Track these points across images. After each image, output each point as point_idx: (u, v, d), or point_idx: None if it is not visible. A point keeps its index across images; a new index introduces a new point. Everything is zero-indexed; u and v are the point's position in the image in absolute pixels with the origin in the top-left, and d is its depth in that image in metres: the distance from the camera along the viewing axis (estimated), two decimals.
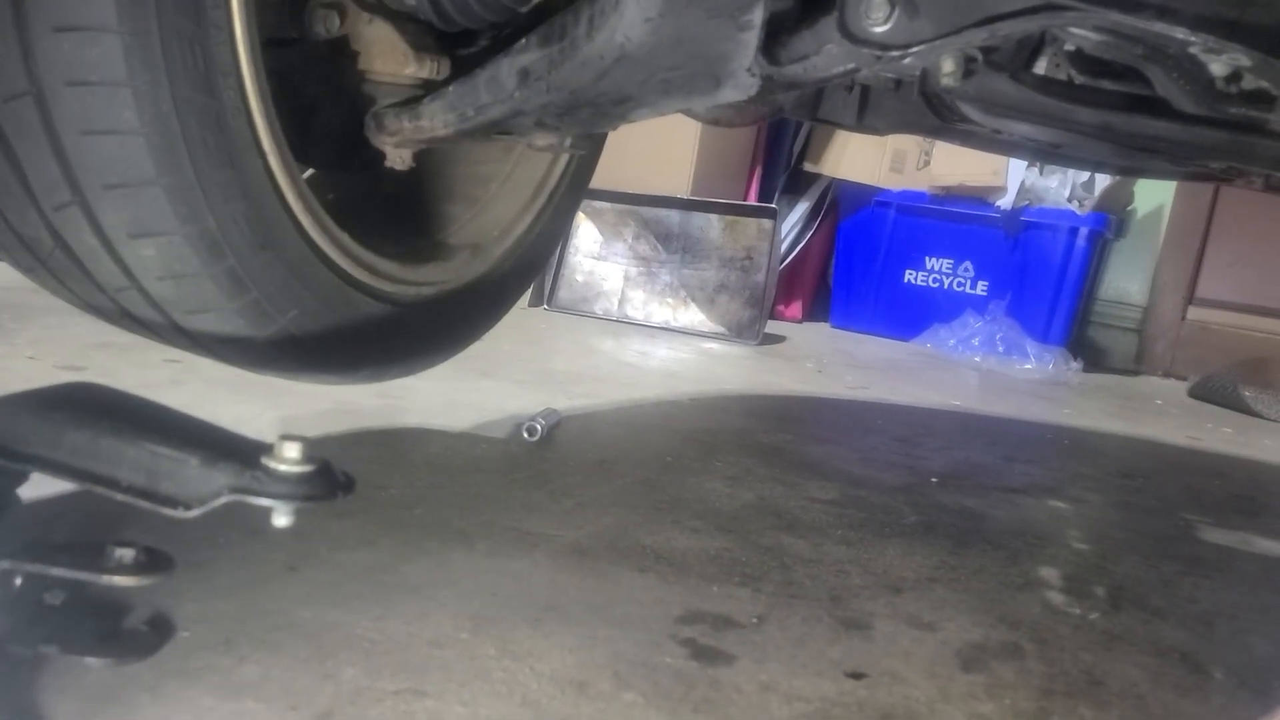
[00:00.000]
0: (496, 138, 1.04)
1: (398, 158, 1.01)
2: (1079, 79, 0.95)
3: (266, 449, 0.69)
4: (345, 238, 0.93)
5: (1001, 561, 1.26)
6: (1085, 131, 0.94)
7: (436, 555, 1.06)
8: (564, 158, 1.21)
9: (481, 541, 1.11)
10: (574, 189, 1.26)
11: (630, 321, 3.11)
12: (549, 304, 3.16)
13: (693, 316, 3.08)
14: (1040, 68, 0.98)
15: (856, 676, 0.89)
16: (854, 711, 0.83)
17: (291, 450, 0.68)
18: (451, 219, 1.17)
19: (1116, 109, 0.89)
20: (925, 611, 1.06)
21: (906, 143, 3.35)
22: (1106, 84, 0.94)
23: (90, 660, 0.75)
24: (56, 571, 0.72)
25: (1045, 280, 3.28)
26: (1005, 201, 3.30)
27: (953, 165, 3.28)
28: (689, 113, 1.14)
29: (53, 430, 0.70)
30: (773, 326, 3.23)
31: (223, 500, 0.66)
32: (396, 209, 1.15)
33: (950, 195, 3.37)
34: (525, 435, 1.56)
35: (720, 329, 3.03)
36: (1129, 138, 0.92)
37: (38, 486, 0.82)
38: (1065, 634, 1.05)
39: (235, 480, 0.66)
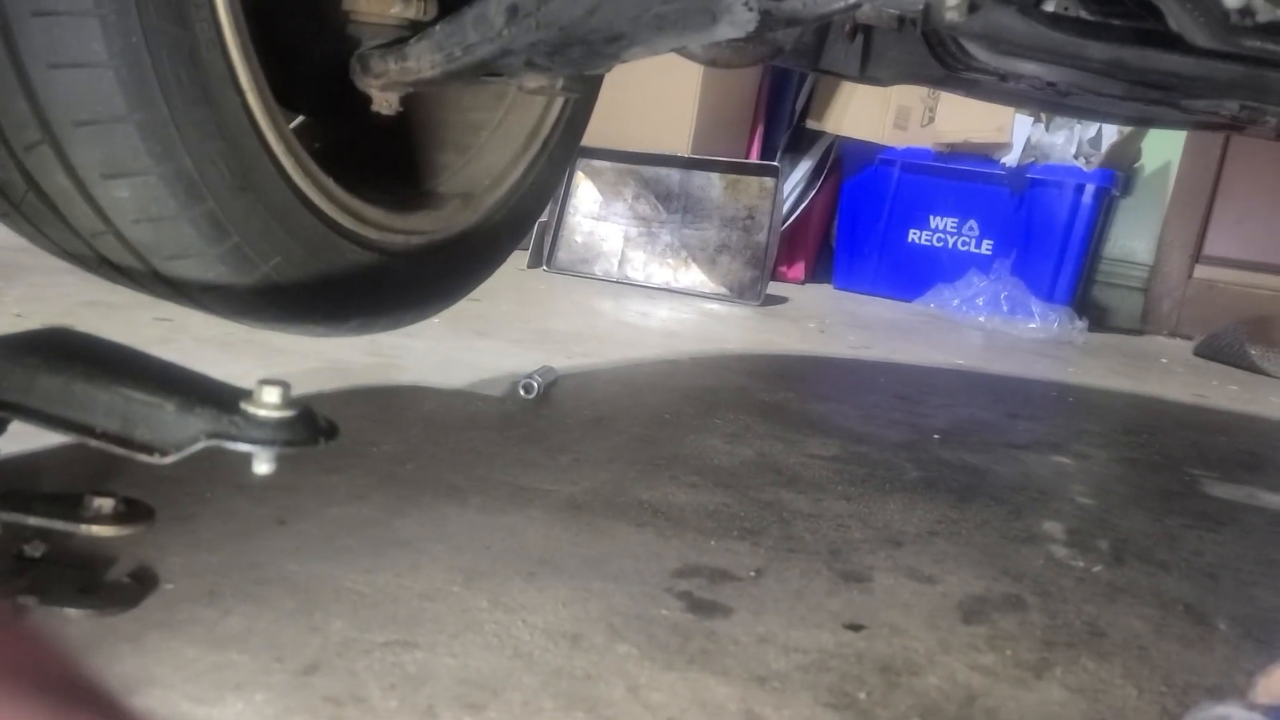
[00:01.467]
0: (486, 81, 1.01)
1: (384, 102, 0.98)
2: (1089, 16, 0.92)
3: (245, 394, 0.67)
4: (330, 183, 0.91)
5: (1004, 516, 1.24)
6: (1096, 69, 0.90)
7: (429, 510, 1.04)
8: (558, 104, 1.18)
9: (475, 497, 1.10)
10: (568, 137, 1.23)
11: (630, 283, 3.08)
12: (548, 265, 3.13)
13: (694, 277, 3.05)
14: (1049, 5, 0.94)
15: (855, 628, 0.88)
16: (852, 662, 0.81)
17: (271, 395, 0.66)
18: (442, 167, 1.14)
19: (1128, 43, 0.86)
20: (926, 565, 1.04)
21: (911, 98, 3.30)
22: (1117, 21, 0.90)
23: (70, 612, 0.74)
24: (34, 521, 0.70)
25: (1050, 238, 3.24)
26: (1010, 158, 3.25)
27: (957, 121, 3.23)
28: (686, 53, 1.10)
29: (25, 375, 0.68)
30: (775, 287, 3.20)
31: (200, 446, 0.64)
32: (385, 156, 1.12)
33: (955, 153, 3.32)
34: (522, 393, 1.53)
35: (721, 290, 3.00)
36: (1141, 74, 0.89)
37: (17, 440, 0.80)
38: (1068, 586, 1.03)
39: (212, 426, 0.64)
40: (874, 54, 1.54)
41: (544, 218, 3.13)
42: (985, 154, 3.28)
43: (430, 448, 1.26)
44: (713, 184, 3.06)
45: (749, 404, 1.70)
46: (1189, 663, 0.89)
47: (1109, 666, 0.85)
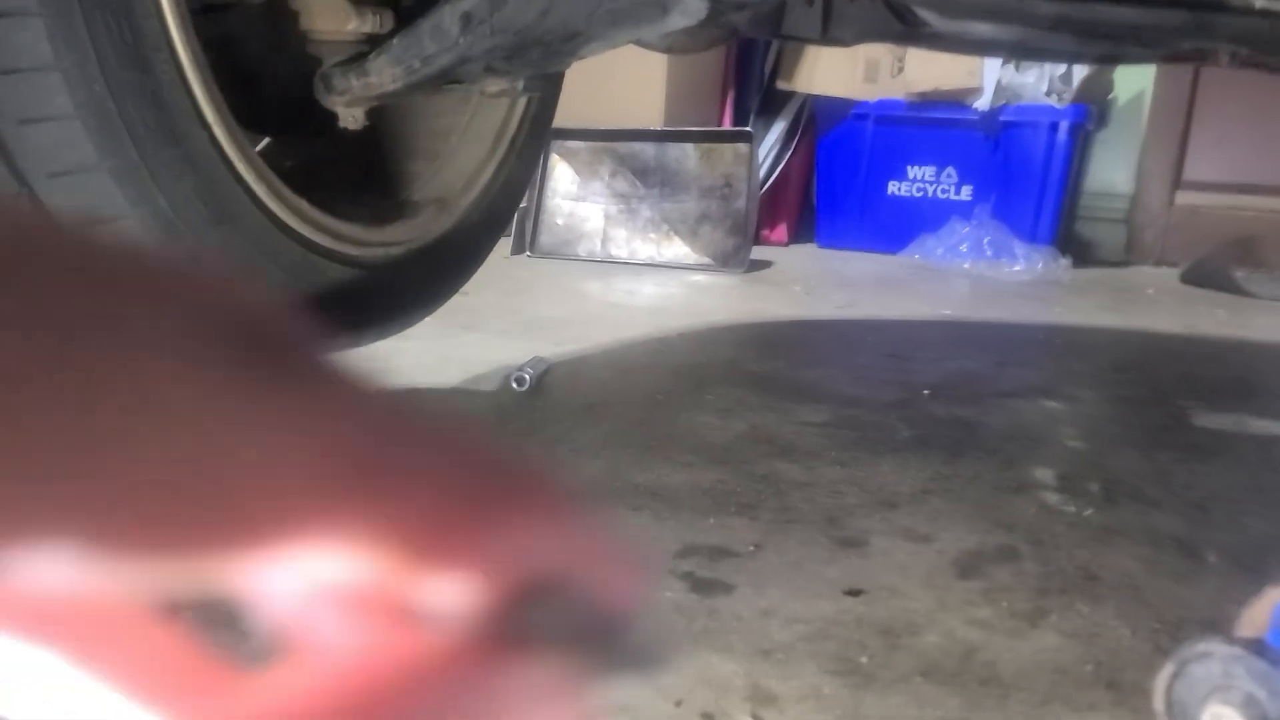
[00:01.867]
0: (449, 88, 1.02)
1: (350, 117, 0.99)
2: None
3: None
4: (304, 205, 0.92)
5: (996, 467, 1.26)
6: (1044, 25, 0.92)
7: None
8: (522, 102, 1.19)
9: None
10: (535, 133, 1.24)
11: (615, 260, 3.09)
12: (531, 251, 3.14)
13: (677, 250, 3.06)
14: None
15: (854, 594, 0.90)
16: (853, 628, 0.84)
17: None
18: (414, 176, 1.15)
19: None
20: (921, 524, 1.07)
21: (879, 51, 3.29)
22: None
23: None
24: None
25: (1029, 179, 3.24)
26: (983, 102, 3.25)
27: (927, 70, 3.22)
28: (644, 44, 1.11)
29: None
30: (759, 252, 3.21)
31: None
32: (356, 171, 1.13)
33: (927, 101, 3.32)
34: (514, 386, 1.55)
35: (706, 260, 3.01)
36: (1089, 26, 0.90)
37: None
38: (1061, 533, 1.05)
39: None
40: (834, 16, 1.55)
41: (523, 203, 3.13)
42: (958, 100, 3.28)
43: None
44: (688, 155, 3.06)
45: (739, 376, 1.72)
46: (1181, 598, 0.92)
47: (1102, 609, 0.88)
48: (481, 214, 1.19)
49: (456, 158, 1.16)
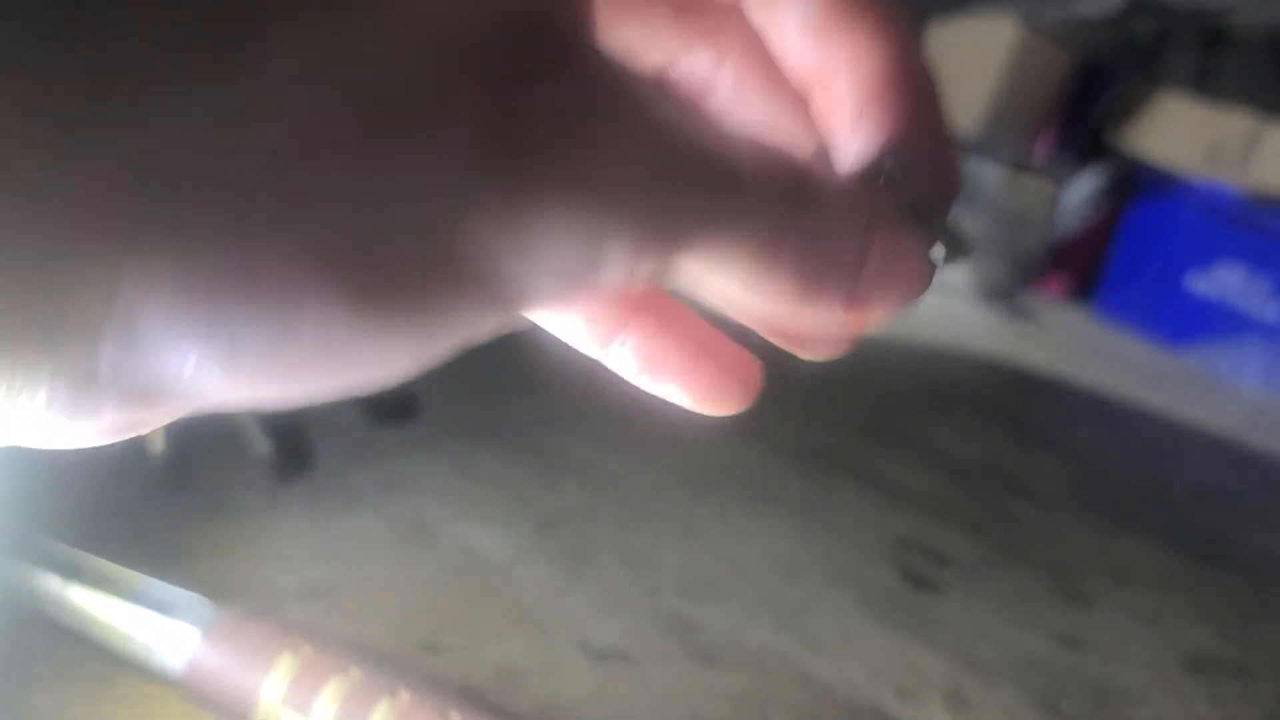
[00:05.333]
0: None
1: None
2: None
3: None
4: None
5: (1245, 586, 1.15)
6: None
7: (661, 415, 1.07)
8: None
9: (704, 423, 1.12)
10: None
11: None
12: None
13: (946, 270, 2.95)
14: None
15: (1069, 644, 0.85)
16: (1062, 674, 0.79)
17: None
18: None
19: None
20: (1152, 607, 0.99)
21: (1226, 133, 3.03)
22: None
23: (352, 412, 0.81)
24: None
25: None
26: None
27: (1277, 169, 2.94)
28: None
29: None
30: (1030, 299, 3.05)
31: None
32: None
33: (1262, 202, 3.04)
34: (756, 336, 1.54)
35: (973, 289, 2.89)
36: None
37: None
38: None
39: None
40: (1215, 65, 1.43)
41: None
42: None
43: None
44: (989, 176, 2.94)
45: (985, 406, 1.65)
46: None
47: None
48: None
49: None
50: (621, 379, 0.18)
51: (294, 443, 0.74)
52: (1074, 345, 2.71)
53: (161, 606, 0.50)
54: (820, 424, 1.23)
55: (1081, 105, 3.32)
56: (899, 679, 0.70)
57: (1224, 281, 3.17)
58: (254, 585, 0.59)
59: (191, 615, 0.50)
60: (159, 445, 0.68)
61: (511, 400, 0.98)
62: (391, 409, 0.85)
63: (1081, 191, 3.24)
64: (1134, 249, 3.28)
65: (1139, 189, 3.27)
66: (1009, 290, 2.82)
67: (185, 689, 0.48)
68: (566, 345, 0.19)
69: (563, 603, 0.66)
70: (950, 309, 2.61)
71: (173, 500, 0.65)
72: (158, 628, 0.49)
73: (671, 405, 0.19)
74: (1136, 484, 1.45)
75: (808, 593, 0.78)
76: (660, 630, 0.66)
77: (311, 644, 0.48)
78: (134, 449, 0.68)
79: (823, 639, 0.72)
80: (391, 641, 0.57)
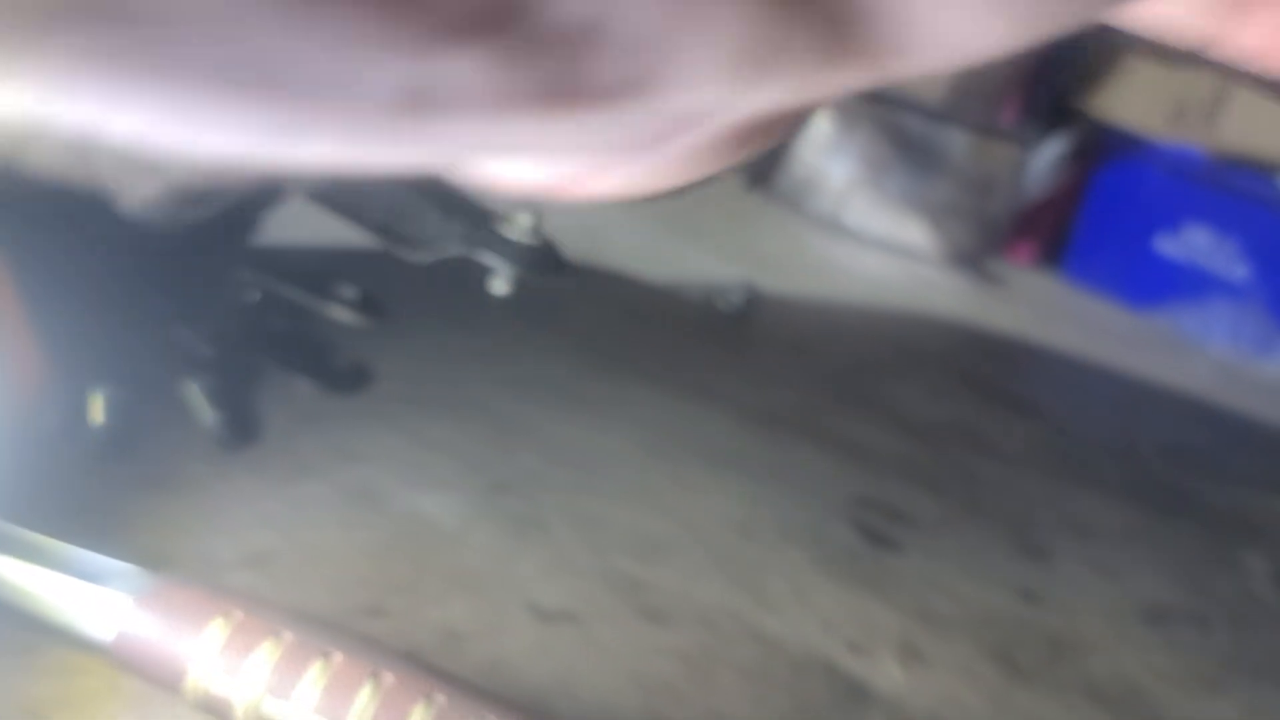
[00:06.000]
0: None
1: None
2: None
3: (500, 216, 0.70)
4: None
5: (1205, 538, 1.16)
6: None
7: (618, 382, 1.07)
8: None
9: (665, 385, 1.11)
10: None
11: (845, 227, 3.01)
12: (764, 190, 3.09)
13: (913, 235, 2.95)
14: None
15: (1028, 598, 0.85)
16: (1019, 627, 0.79)
17: (525, 222, 0.69)
18: None
19: None
20: (1112, 561, 0.99)
21: (1192, 94, 3.04)
22: None
23: (301, 381, 0.80)
24: (286, 290, 0.76)
25: None
26: None
27: (1241, 129, 2.96)
28: None
29: None
30: (998, 265, 3.07)
31: (452, 252, 0.68)
32: None
33: (1230, 162, 3.05)
34: (719, 302, 1.54)
35: (940, 255, 2.89)
36: None
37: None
38: (1262, 620, 0.96)
39: (466, 234, 0.67)
40: None
41: None
42: (1265, 171, 3.00)
43: (625, 329, 1.29)
44: (955, 141, 2.94)
45: (951, 368, 1.65)
46: None
47: None
48: None
49: None
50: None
51: (241, 413, 0.72)
52: (1042, 309, 2.72)
53: (90, 576, 0.49)
54: (781, 388, 1.22)
55: (1046, 70, 3.32)
56: (851, 634, 0.70)
57: (1192, 243, 3.20)
58: (193, 555, 0.58)
59: (122, 584, 0.49)
60: (99, 416, 0.66)
61: (466, 368, 0.97)
62: (342, 378, 0.84)
63: (1047, 156, 3.25)
64: (1101, 213, 3.30)
65: (1105, 153, 3.28)
66: (977, 256, 2.83)
67: (115, 657, 0.47)
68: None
69: (511, 566, 0.65)
70: (918, 275, 2.62)
71: (113, 472, 0.64)
72: (86, 597, 0.48)
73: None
74: (1101, 442, 1.46)
75: (761, 552, 0.78)
76: (609, 590, 0.66)
77: (244, 609, 0.47)
78: (73, 421, 0.66)
79: (775, 597, 0.72)
80: (333, 606, 0.56)
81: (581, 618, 0.62)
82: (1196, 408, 2.09)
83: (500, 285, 0.69)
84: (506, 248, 0.68)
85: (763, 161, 3.06)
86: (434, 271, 1.21)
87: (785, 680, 0.61)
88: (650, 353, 1.20)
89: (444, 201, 0.70)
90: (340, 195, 0.70)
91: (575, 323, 1.24)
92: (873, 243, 2.97)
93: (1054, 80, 3.32)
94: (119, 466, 0.65)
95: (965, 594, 0.82)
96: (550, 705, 0.53)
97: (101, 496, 0.62)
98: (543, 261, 0.69)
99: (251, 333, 0.80)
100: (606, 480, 0.82)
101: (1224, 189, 3.09)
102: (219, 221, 0.84)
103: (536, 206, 0.70)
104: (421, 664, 0.46)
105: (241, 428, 0.71)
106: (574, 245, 1.67)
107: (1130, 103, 3.08)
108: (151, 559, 0.55)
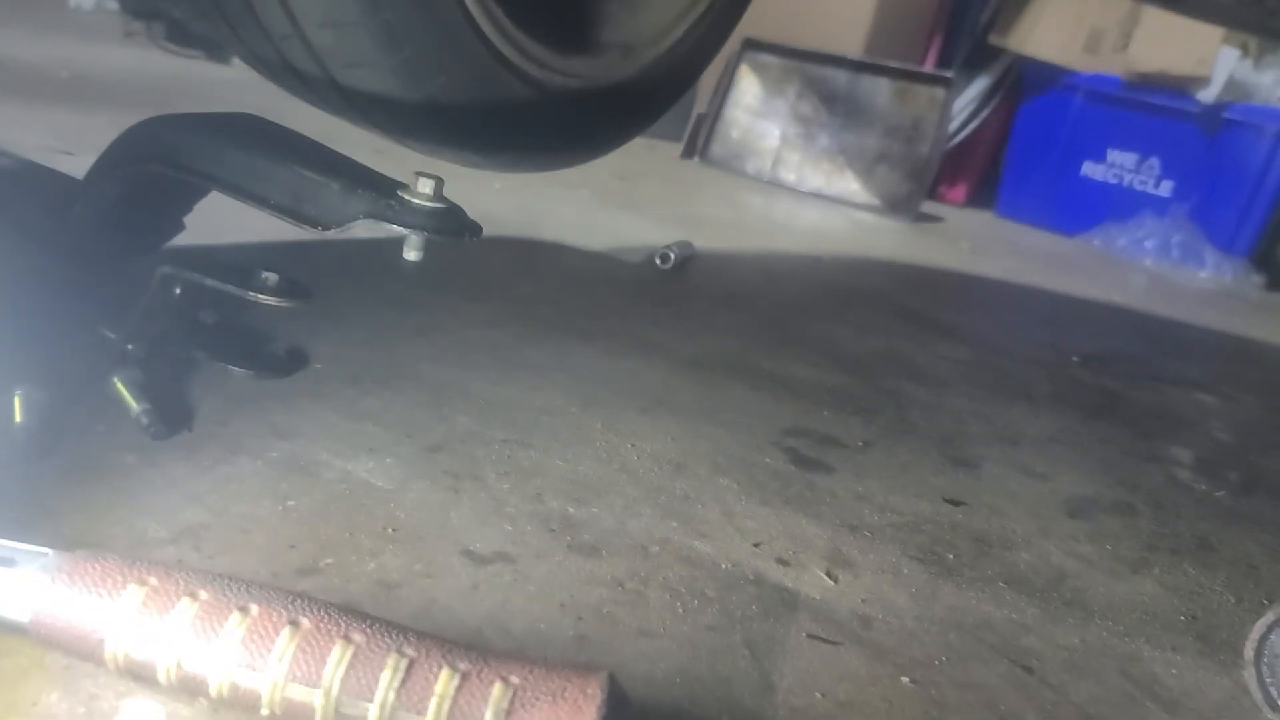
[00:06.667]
0: None
1: None
2: None
3: (403, 185, 0.72)
4: (499, 11, 0.94)
5: (1131, 436, 1.21)
6: None
7: (557, 344, 1.09)
8: None
9: (602, 341, 1.14)
10: (735, 2, 1.23)
11: (782, 183, 3.04)
12: (701, 157, 3.12)
13: (848, 185, 2.99)
14: None
15: (955, 504, 0.89)
16: (946, 529, 0.83)
17: (426, 187, 0.70)
18: (607, 16, 1.15)
19: None
20: (1039, 464, 1.03)
21: (1105, 20, 3.10)
22: None
23: (234, 370, 0.82)
24: (210, 282, 0.77)
25: (1238, 185, 3.02)
26: (1207, 95, 3.03)
27: (1154, 49, 3.02)
28: None
29: (216, 149, 0.75)
30: (931, 207, 3.11)
31: (357, 223, 0.69)
32: None
33: (1146, 84, 3.12)
34: (658, 262, 1.56)
35: (875, 201, 2.93)
36: None
37: (193, 236, 0.88)
38: (1185, 505, 1.00)
39: (371, 207, 0.69)
40: None
41: (701, 109, 3.11)
42: (1180, 88, 3.06)
43: (564, 296, 1.31)
44: (880, 90, 2.97)
45: (885, 304, 1.69)
46: None
47: (1212, 575, 0.84)
48: (663, 71, 1.19)
49: (652, 8, 1.15)
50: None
51: (168, 403, 0.74)
52: (977, 243, 2.77)
53: (2, 560, 0.50)
54: (717, 335, 1.25)
55: (964, 11, 3.37)
56: (780, 549, 0.73)
57: (1117, 165, 3.26)
58: (121, 536, 0.60)
59: (35, 564, 0.50)
60: (18, 415, 0.67)
61: (399, 346, 0.99)
62: (277, 364, 0.85)
63: (971, 96, 3.30)
64: (1027, 146, 3.36)
65: (1027, 88, 3.34)
66: (910, 199, 2.87)
67: (35, 635, 0.49)
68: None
69: (445, 518, 0.68)
70: (854, 222, 2.66)
71: (37, 467, 0.65)
72: None
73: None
74: (1032, 359, 1.51)
75: (693, 485, 0.81)
76: (542, 531, 0.68)
77: (158, 575, 0.49)
78: None
79: (706, 522, 0.75)
80: (267, 570, 0.58)
81: (515, 558, 0.64)
82: (1127, 318, 2.15)
83: (413, 252, 0.71)
84: (413, 214, 0.69)
85: (697, 132, 3.08)
86: (364, 255, 1.23)
87: (714, 595, 0.64)
88: (589, 315, 1.22)
89: (346, 175, 0.72)
90: (244, 182, 0.71)
91: (515, 294, 1.26)
92: (810, 196, 3.01)
93: (972, 21, 3.37)
94: (43, 462, 0.66)
95: (894, 505, 0.85)
96: (483, 640, 0.56)
97: (22, 490, 0.63)
98: (450, 223, 0.71)
99: (178, 327, 0.81)
100: (542, 434, 0.84)
101: (1143, 110, 3.16)
102: (137, 223, 0.85)
103: (437, 171, 0.72)
104: (341, 609, 0.48)
105: (169, 416, 0.72)
106: (515, 224, 1.69)
107: (1047, 36, 3.13)
108: (76, 543, 0.57)
